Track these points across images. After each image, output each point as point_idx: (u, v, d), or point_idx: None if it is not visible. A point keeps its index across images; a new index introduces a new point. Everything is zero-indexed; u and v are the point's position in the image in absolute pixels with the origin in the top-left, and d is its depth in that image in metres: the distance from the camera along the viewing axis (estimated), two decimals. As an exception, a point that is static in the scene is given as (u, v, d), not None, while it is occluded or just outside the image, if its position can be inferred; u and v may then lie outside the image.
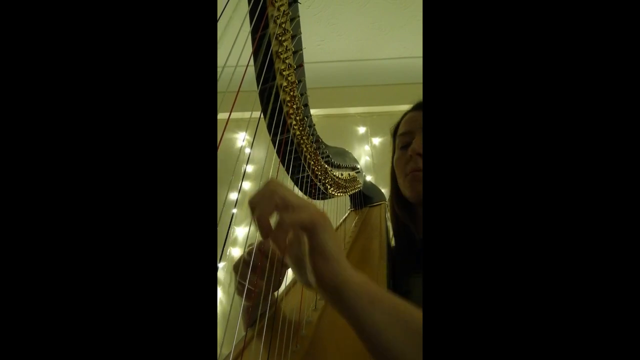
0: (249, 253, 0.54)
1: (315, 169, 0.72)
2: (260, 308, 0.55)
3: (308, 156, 0.67)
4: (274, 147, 0.60)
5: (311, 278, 0.34)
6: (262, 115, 0.55)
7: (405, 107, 0.88)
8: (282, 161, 0.61)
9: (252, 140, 1.81)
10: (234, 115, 0.47)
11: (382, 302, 0.34)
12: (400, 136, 0.81)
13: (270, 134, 0.58)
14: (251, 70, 0.49)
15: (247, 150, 1.88)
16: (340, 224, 1.05)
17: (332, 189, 0.82)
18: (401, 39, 1.88)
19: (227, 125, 0.43)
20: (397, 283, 0.69)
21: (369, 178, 1.43)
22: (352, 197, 1.15)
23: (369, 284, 0.34)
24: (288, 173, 0.64)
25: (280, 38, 0.51)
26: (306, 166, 0.68)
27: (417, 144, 0.73)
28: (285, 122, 0.58)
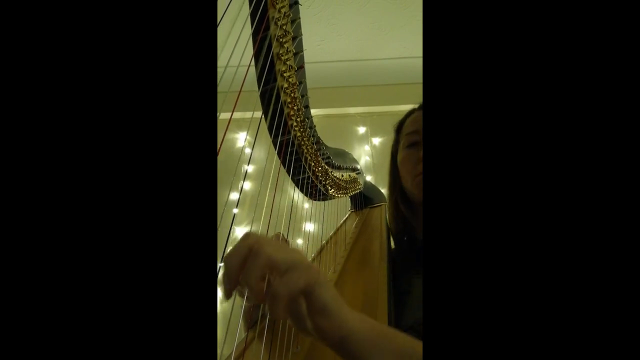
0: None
1: (316, 170, 0.72)
2: (261, 309, 0.55)
3: (309, 157, 0.67)
4: (275, 148, 0.60)
5: (313, 334, 0.34)
6: (263, 117, 0.55)
7: (405, 107, 0.88)
8: (283, 162, 0.61)
9: (253, 141, 1.81)
10: (235, 115, 0.47)
11: (384, 343, 0.34)
12: (407, 135, 0.80)
13: (271, 135, 0.58)
14: (252, 71, 0.49)
15: (248, 151, 1.88)
16: (341, 225, 1.05)
17: (332, 190, 0.83)
18: (401, 39, 1.88)
19: (228, 125, 0.43)
20: (398, 283, 0.69)
21: (369, 178, 1.43)
22: (353, 198, 1.15)
23: (371, 328, 0.35)
24: (289, 174, 0.64)
25: (281, 40, 0.51)
26: (307, 167, 0.68)
27: None
28: (286, 123, 0.58)
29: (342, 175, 0.88)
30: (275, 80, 0.53)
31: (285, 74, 0.54)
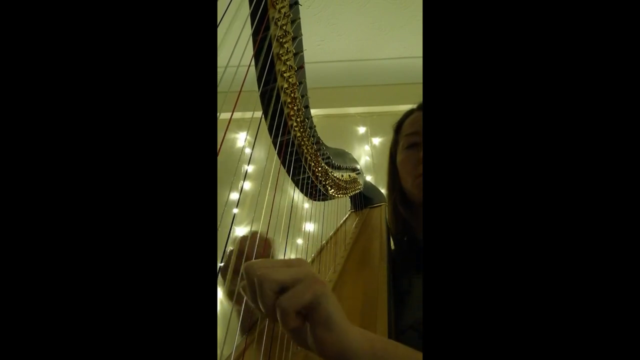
0: (229, 256, 0.54)
1: (316, 170, 0.72)
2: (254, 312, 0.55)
3: (309, 157, 0.67)
4: (275, 148, 0.60)
5: (313, 347, 0.34)
6: (263, 117, 0.55)
7: (405, 107, 0.88)
8: (283, 163, 0.61)
9: (253, 141, 1.81)
10: (235, 115, 0.47)
11: (385, 356, 0.34)
12: (406, 136, 0.80)
13: (271, 135, 0.58)
14: (252, 70, 0.49)
15: (248, 151, 1.87)
16: (341, 225, 1.05)
17: (332, 190, 0.83)
18: (401, 39, 1.88)
19: (228, 125, 0.43)
20: (398, 283, 0.69)
21: (368, 178, 1.43)
22: (353, 198, 1.15)
23: (371, 342, 0.35)
24: (289, 174, 0.64)
25: (281, 40, 0.51)
26: (307, 167, 0.68)
27: None
28: (286, 123, 0.58)
29: (342, 176, 0.88)
30: (275, 80, 0.53)
31: (285, 74, 0.54)
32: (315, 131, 0.67)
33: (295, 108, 0.58)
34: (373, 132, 2.06)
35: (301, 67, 0.56)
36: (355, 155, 1.27)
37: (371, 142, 2.05)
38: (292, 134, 0.60)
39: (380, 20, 1.76)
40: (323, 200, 0.83)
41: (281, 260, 0.36)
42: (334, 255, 0.81)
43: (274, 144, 0.60)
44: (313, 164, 0.70)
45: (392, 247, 0.87)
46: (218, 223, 0.30)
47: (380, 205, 1.12)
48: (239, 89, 0.42)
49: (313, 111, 0.64)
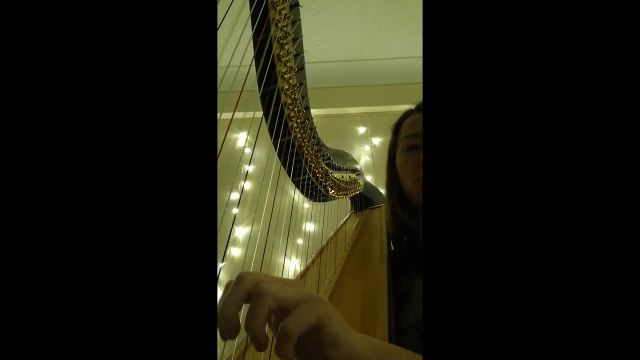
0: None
1: (316, 171, 0.72)
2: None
3: (309, 158, 0.67)
4: (275, 149, 0.60)
5: None
6: (263, 117, 0.55)
7: (405, 107, 0.87)
8: (283, 164, 0.61)
9: (253, 141, 1.81)
10: (235, 115, 0.47)
11: (386, 358, 0.34)
12: (405, 138, 0.79)
13: (271, 136, 0.58)
14: (252, 71, 0.49)
15: (248, 151, 1.88)
16: (341, 226, 1.05)
17: (332, 191, 0.83)
18: (401, 39, 1.88)
19: (229, 125, 0.43)
20: (398, 283, 0.69)
21: (368, 178, 1.43)
22: (353, 199, 1.15)
23: (374, 349, 0.34)
24: (289, 175, 0.64)
25: (281, 41, 0.51)
26: (307, 168, 0.68)
27: None
28: (286, 124, 0.58)
29: (342, 177, 0.88)
30: (275, 82, 0.53)
31: (285, 76, 0.54)
32: (315, 132, 0.67)
33: (295, 109, 0.58)
34: (373, 132, 2.05)
35: (302, 69, 0.57)
36: (355, 155, 1.27)
37: (371, 142, 2.05)
38: (292, 135, 0.60)
39: (380, 20, 1.76)
40: (323, 201, 0.83)
41: (279, 277, 0.34)
42: (334, 256, 0.82)
43: (275, 145, 0.60)
44: (313, 165, 0.70)
45: (392, 248, 0.87)
46: (218, 223, 0.30)
47: (381, 206, 1.12)
48: (240, 90, 0.42)
49: (313, 111, 0.64)
